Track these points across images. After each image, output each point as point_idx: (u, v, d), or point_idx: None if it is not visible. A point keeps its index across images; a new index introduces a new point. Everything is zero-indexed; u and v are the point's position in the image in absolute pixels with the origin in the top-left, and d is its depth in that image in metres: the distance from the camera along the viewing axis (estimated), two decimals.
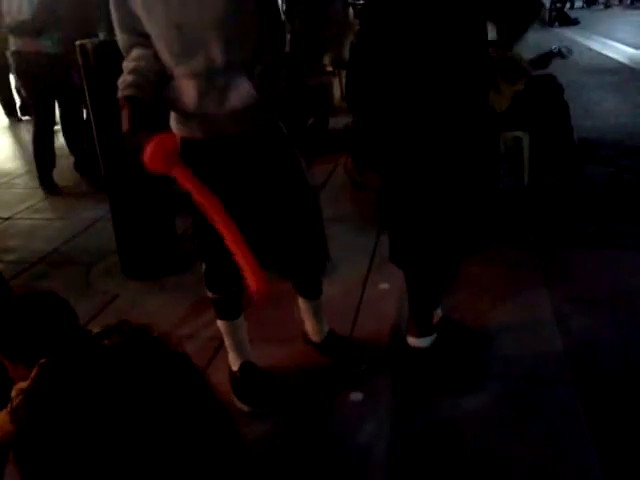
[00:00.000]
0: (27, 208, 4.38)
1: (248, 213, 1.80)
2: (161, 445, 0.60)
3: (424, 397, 2.07)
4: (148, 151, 1.54)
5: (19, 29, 4.25)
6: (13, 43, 4.36)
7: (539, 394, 2.06)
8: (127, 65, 1.73)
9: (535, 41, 4.09)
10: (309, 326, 2.30)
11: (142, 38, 1.72)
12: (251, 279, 1.47)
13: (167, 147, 1.57)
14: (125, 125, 1.65)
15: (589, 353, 2.24)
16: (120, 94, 1.68)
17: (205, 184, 1.59)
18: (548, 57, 4.04)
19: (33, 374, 0.68)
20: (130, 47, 1.76)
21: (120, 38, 1.78)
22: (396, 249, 2.13)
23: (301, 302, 2.25)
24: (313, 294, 2.22)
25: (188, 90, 1.70)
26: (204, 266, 2.01)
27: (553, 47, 4.19)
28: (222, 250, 1.61)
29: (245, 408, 2.05)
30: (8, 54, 4.45)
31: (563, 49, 4.05)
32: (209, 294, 2.08)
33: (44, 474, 0.61)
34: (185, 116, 1.77)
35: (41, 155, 4.66)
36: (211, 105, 1.69)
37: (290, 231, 1.94)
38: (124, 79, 1.70)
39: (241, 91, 1.68)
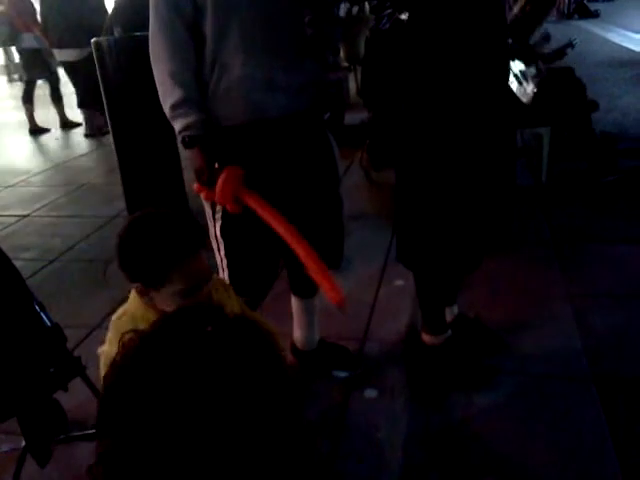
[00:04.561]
0: (44, 206, 4.42)
1: (282, 196, 1.80)
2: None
3: (439, 394, 2.06)
4: (219, 187, 1.64)
5: None
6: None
7: (557, 392, 2.03)
8: (180, 80, 1.67)
9: (554, 34, 4.04)
10: (300, 333, 2.22)
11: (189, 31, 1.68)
12: (329, 291, 1.46)
13: (235, 179, 1.66)
14: (200, 166, 1.71)
15: (609, 350, 2.20)
16: (186, 133, 1.68)
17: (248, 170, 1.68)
18: (563, 49, 4.03)
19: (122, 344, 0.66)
20: (179, 41, 1.67)
21: (169, 28, 1.66)
22: (404, 249, 2.11)
23: (295, 303, 2.18)
24: (309, 290, 2.15)
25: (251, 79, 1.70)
26: (227, 273, 1.93)
27: (572, 38, 4.19)
28: (253, 258, 1.66)
29: None
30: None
31: (572, 40, 4.15)
32: None
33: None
34: (236, 102, 1.73)
35: None
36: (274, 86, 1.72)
37: (316, 214, 1.92)
38: (185, 114, 1.66)
39: (308, 71, 1.79)
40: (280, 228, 1.59)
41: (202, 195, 1.76)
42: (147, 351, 0.64)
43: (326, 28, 1.92)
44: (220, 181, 1.65)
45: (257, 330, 0.69)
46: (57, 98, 7.03)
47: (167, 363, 0.62)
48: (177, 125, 1.69)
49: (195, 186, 1.75)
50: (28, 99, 6.90)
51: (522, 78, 3.61)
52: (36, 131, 7.01)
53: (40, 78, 6.98)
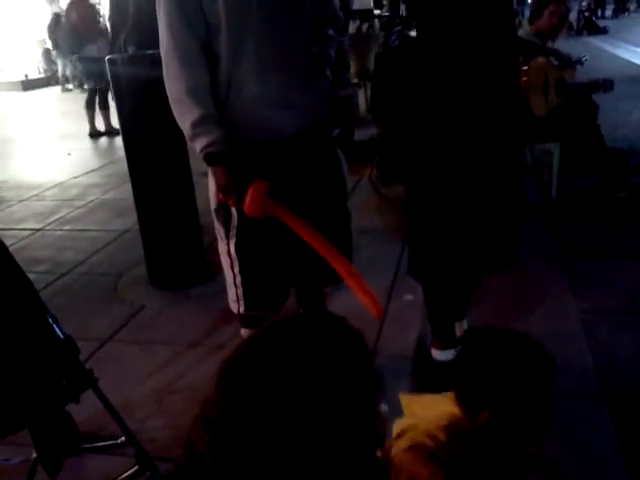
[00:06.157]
0: (57, 219, 4.46)
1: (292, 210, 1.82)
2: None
3: None
4: (249, 200, 1.65)
5: None
6: None
7: (567, 408, 2.02)
8: (197, 100, 1.65)
9: (563, 50, 4.04)
10: None
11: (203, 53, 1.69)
12: (370, 305, 1.49)
13: (263, 192, 1.67)
14: (226, 181, 1.70)
15: (619, 367, 2.19)
16: (209, 149, 1.67)
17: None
18: (573, 65, 4.01)
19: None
20: (194, 62, 1.67)
21: (183, 49, 1.65)
22: (415, 262, 2.12)
23: None
24: (317, 306, 2.17)
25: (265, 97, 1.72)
26: (241, 290, 1.95)
27: (581, 55, 4.18)
28: (268, 274, 1.72)
29: None
30: None
31: (581, 56, 4.11)
32: (243, 311, 2.00)
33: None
34: (252, 120, 1.75)
35: None
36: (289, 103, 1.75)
37: (325, 228, 1.93)
38: (206, 132, 1.65)
39: (322, 88, 1.85)
40: (314, 241, 1.60)
41: (229, 203, 1.76)
42: (255, 341, 0.83)
43: (328, 47, 1.92)
44: (248, 198, 1.64)
45: (346, 330, 0.90)
46: (104, 105, 7.41)
47: (267, 353, 0.81)
48: (199, 143, 1.67)
49: (220, 196, 1.76)
50: (90, 105, 7.39)
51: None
52: (94, 135, 7.48)
53: (98, 86, 7.31)
